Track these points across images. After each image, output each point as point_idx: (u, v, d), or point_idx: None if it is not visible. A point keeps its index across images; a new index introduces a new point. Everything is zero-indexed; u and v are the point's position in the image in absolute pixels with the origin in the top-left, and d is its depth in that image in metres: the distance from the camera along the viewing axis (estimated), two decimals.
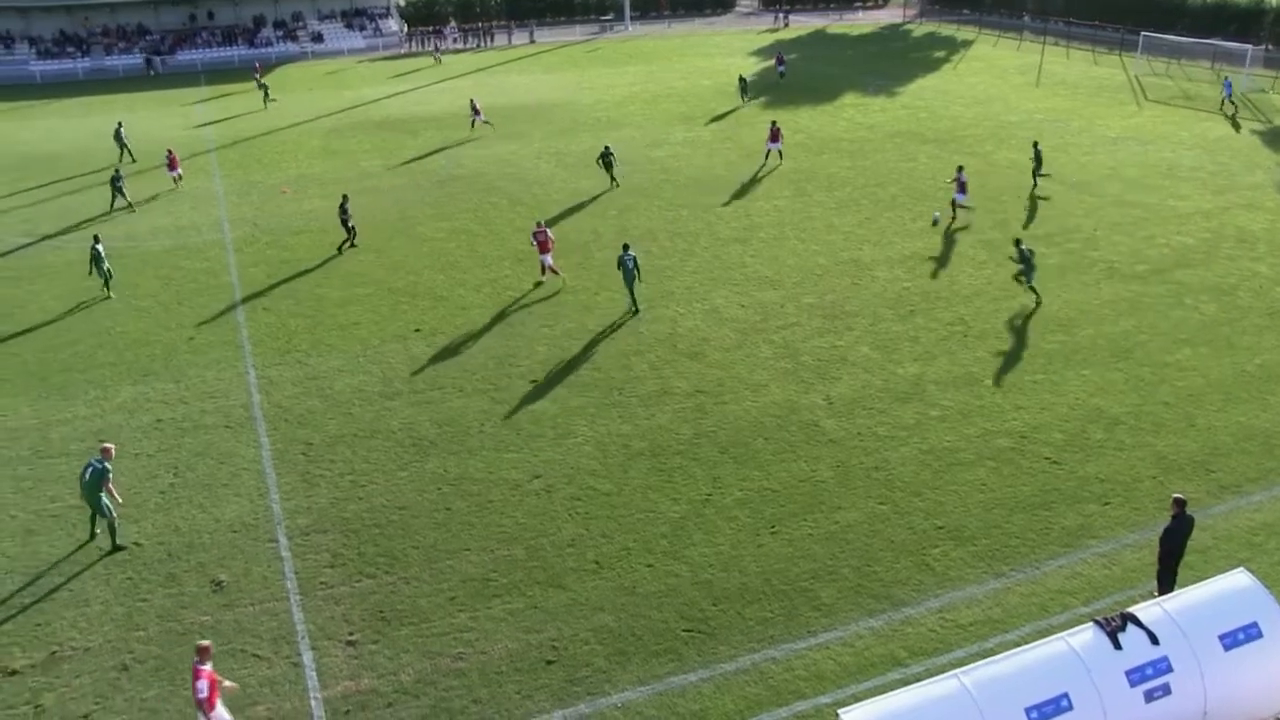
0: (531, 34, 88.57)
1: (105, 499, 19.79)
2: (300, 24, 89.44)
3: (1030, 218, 38.78)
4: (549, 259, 32.41)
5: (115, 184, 42.01)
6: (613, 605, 18.21)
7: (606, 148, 44.57)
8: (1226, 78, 60.70)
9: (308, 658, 17.09)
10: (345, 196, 37.10)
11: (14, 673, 16.85)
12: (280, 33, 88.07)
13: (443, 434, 24.06)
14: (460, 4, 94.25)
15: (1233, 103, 56.77)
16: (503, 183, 44.97)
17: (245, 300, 32.40)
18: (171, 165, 46.05)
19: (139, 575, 19.21)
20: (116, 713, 15.95)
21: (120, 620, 18.02)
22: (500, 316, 30.56)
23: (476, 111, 55.07)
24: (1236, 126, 53.19)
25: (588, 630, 17.62)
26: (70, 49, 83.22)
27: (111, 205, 42.23)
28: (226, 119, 60.87)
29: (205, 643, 14.70)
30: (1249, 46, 66.19)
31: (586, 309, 30.88)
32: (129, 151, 50.92)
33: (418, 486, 21.95)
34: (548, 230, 32.67)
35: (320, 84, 69.89)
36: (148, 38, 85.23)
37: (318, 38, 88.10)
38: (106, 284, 33.12)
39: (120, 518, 20.47)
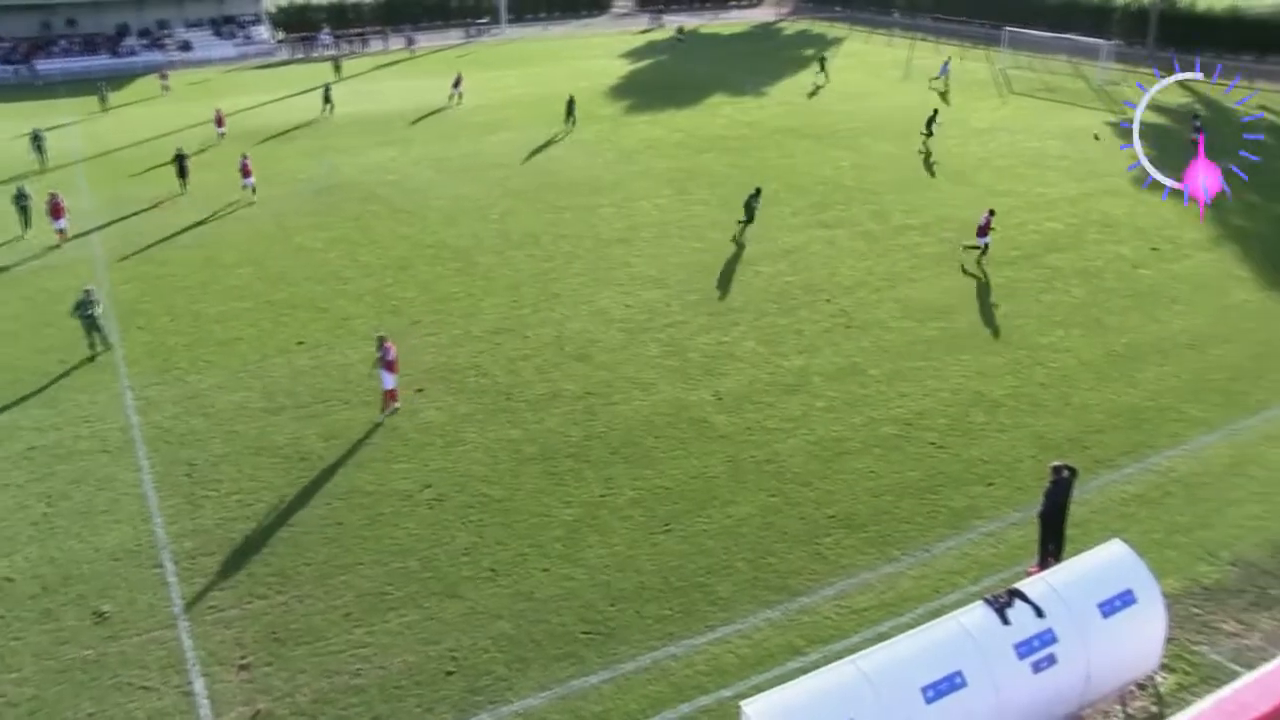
0: (409, 40, 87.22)
1: None
2: (167, 32, 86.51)
3: (907, 209, 39.68)
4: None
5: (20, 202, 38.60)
6: (511, 612, 18.05)
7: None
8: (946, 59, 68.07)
9: (199, 685, 16.54)
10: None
11: None
12: (146, 41, 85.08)
13: (330, 447, 23.54)
14: (334, 10, 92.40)
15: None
16: (382, 190, 44.20)
17: (119, 318, 31.15)
18: (56, 213, 37.80)
19: (11, 612, 18.30)
20: None
21: None
22: (384, 326, 29.97)
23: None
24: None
25: (486, 639, 17.43)
26: None
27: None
28: (90, 131, 58.60)
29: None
30: (1102, 41, 68.96)
31: (471, 315, 30.55)
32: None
33: (307, 502, 21.43)
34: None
35: (188, 94, 67.77)
36: None
37: (185, 46, 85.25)
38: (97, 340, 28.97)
39: None
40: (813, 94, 63.38)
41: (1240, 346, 27.79)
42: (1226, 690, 10.21)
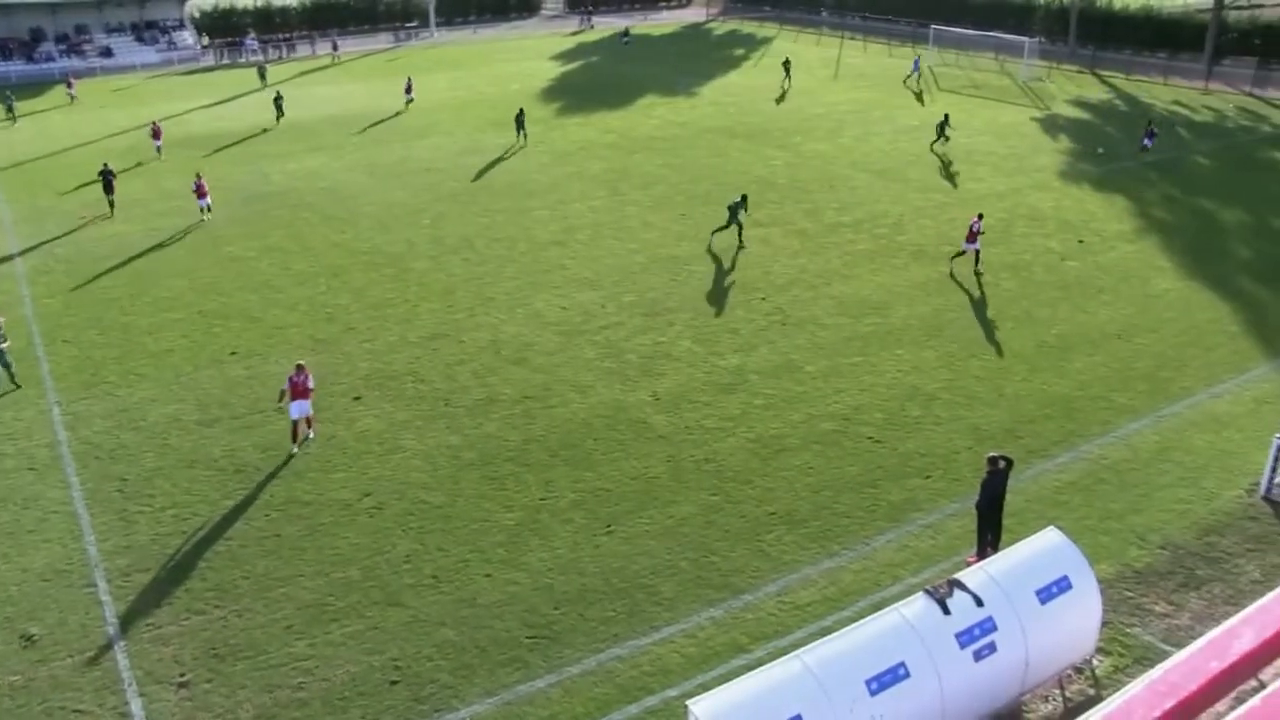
0: (334, 44, 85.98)
1: None
2: (86, 37, 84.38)
3: (840, 206, 40.09)
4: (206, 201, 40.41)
5: None
6: (454, 619, 17.91)
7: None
8: (917, 56, 68.21)
9: (136, 705, 16.17)
10: None
11: None
12: (63, 47, 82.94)
13: (266, 458, 23.19)
14: (260, 14, 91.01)
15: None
16: (313, 197, 43.65)
17: (44, 333, 30.42)
18: None
19: None
20: None
21: None
22: (318, 334, 29.66)
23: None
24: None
25: (430, 646, 17.28)
26: None
27: None
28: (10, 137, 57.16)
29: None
30: (1026, 39, 70.32)
31: (407, 321, 30.29)
32: None
33: (244, 514, 21.08)
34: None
35: (111, 101, 66.39)
36: None
37: (106, 52, 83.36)
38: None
39: None
40: (780, 99, 63.24)
41: (1163, 335, 28.48)
42: (1157, 671, 10.45)
